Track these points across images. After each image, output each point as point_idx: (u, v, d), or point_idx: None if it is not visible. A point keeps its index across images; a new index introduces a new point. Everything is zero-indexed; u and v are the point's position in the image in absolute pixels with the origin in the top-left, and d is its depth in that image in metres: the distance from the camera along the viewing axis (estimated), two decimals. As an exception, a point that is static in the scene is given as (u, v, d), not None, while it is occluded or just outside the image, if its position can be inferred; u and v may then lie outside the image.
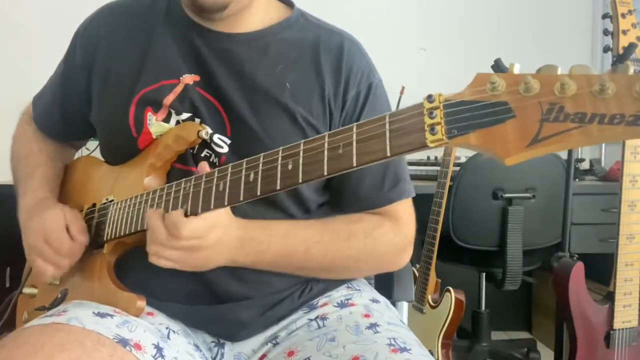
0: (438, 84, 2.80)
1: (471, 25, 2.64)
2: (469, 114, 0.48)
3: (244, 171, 0.64)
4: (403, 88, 2.24)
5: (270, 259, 0.77)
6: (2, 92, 2.16)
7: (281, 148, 0.62)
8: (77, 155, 1.07)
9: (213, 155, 0.80)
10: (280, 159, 0.61)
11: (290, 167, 0.60)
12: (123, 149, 0.84)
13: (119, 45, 0.85)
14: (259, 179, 0.62)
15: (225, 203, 0.65)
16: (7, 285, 1.72)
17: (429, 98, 0.50)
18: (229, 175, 0.66)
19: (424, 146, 0.50)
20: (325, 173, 0.57)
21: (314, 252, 0.78)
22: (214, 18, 0.81)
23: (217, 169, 0.68)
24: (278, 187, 0.61)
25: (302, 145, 0.59)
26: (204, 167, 0.71)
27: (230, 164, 0.66)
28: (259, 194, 0.62)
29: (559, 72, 0.45)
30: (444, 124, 0.49)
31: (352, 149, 0.55)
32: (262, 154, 0.63)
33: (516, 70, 0.48)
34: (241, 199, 0.64)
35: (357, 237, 0.80)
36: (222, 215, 0.71)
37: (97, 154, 0.96)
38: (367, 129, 0.55)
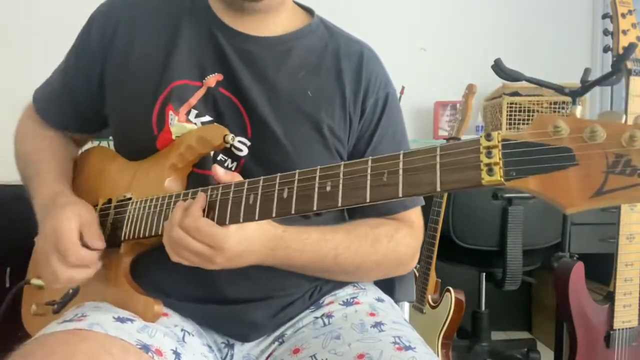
0: (438, 84, 2.79)
1: (471, 25, 2.64)
2: (529, 157, 0.46)
3: (277, 186, 0.62)
4: (403, 88, 2.24)
5: (300, 264, 0.77)
6: (2, 92, 2.16)
7: (318, 167, 0.60)
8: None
9: (229, 160, 0.80)
10: (317, 178, 0.59)
11: (328, 188, 0.58)
12: (141, 145, 0.82)
13: (142, 34, 0.84)
14: (294, 196, 0.60)
15: (256, 217, 0.64)
16: (7, 285, 1.72)
17: (487, 137, 0.48)
18: (260, 188, 0.64)
19: (478, 185, 0.48)
20: (368, 200, 0.55)
21: (343, 258, 0.79)
22: (247, 8, 0.81)
23: (247, 180, 0.66)
24: (315, 208, 0.59)
25: (341, 167, 0.58)
26: (217, 170, 0.70)
27: (262, 177, 0.65)
28: (293, 212, 0.61)
29: (623, 120, 0.44)
30: (502, 165, 0.47)
31: (398, 178, 0.53)
32: (296, 170, 0.62)
33: (578, 113, 0.46)
34: (273, 214, 0.62)
35: (381, 241, 0.82)
36: (249, 230, 0.69)
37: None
38: (415, 159, 0.53)
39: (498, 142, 0.48)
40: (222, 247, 0.67)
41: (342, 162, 0.58)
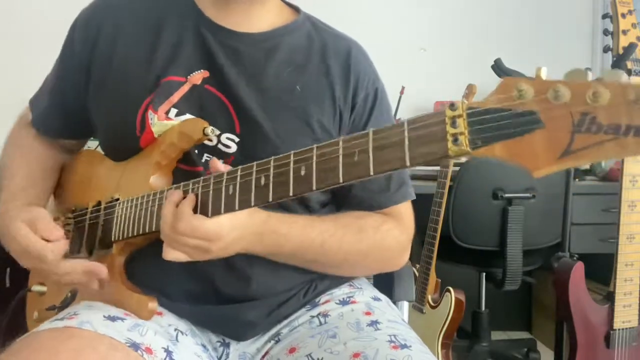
0: (438, 84, 2.79)
1: (471, 25, 2.64)
2: (494, 124, 0.45)
3: (254, 174, 0.62)
4: (403, 88, 2.24)
5: (288, 251, 0.77)
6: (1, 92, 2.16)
7: (292, 152, 0.59)
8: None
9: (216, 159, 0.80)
10: (292, 162, 0.59)
11: (303, 172, 0.58)
12: (125, 146, 0.83)
13: (125, 36, 0.83)
14: (271, 183, 0.60)
15: (236, 207, 0.64)
16: (7, 285, 1.72)
17: (452, 106, 0.48)
18: (238, 178, 0.64)
19: (445, 156, 0.48)
20: (341, 180, 0.55)
21: (329, 245, 0.78)
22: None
23: (225, 171, 0.66)
24: (291, 194, 0.59)
25: (314, 150, 0.57)
26: (216, 164, 0.69)
27: (240, 167, 0.64)
28: (270, 199, 0.60)
29: (590, 77, 0.43)
30: (467, 133, 0.46)
31: (368, 156, 0.53)
32: (272, 157, 0.61)
33: (544, 75, 0.45)
34: (252, 204, 0.62)
35: (367, 231, 0.81)
36: (240, 217, 0.69)
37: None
38: (384, 135, 0.52)
39: (463, 111, 0.47)
40: (218, 238, 0.67)
41: (315, 145, 0.58)
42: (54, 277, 0.79)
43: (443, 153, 0.48)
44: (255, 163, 0.63)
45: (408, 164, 0.50)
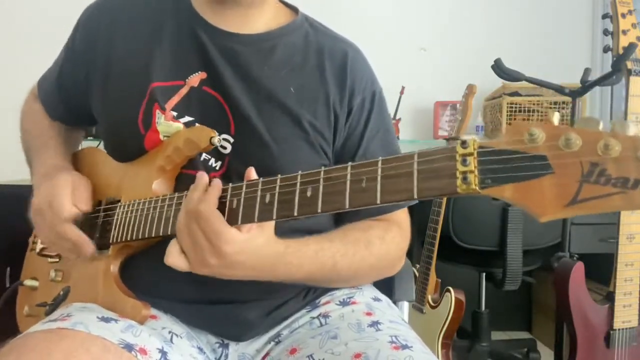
0: (438, 84, 2.80)
1: (471, 25, 2.64)
2: (504, 165, 0.46)
3: (259, 192, 0.62)
4: (403, 88, 2.25)
5: (300, 277, 0.76)
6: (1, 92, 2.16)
7: (300, 173, 0.60)
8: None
9: (213, 160, 0.80)
10: (299, 184, 0.59)
11: (309, 194, 0.58)
12: (129, 146, 0.83)
13: (124, 37, 0.84)
14: (275, 202, 0.60)
15: (239, 222, 0.64)
16: (7, 285, 1.72)
17: (463, 144, 0.48)
18: (243, 193, 0.64)
19: (454, 193, 0.48)
20: (347, 206, 0.55)
21: (341, 265, 0.77)
22: (228, 1, 0.81)
23: (230, 185, 0.66)
24: (295, 214, 0.59)
25: (322, 173, 0.58)
26: (203, 176, 0.69)
27: (245, 182, 0.64)
28: (274, 217, 0.60)
29: (601, 126, 0.43)
30: (477, 173, 0.47)
31: (376, 184, 0.53)
32: (278, 175, 0.61)
33: (555, 120, 0.45)
34: (255, 219, 0.62)
35: (374, 243, 0.81)
36: (256, 245, 0.68)
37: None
38: (394, 165, 0.52)
39: (474, 149, 0.47)
40: (221, 248, 0.65)
41: (323, 168, 0.58)
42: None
43: (452, 190, 0.48)
44: (261, 180, 0.63)
45: (415, 196, 0.50)
